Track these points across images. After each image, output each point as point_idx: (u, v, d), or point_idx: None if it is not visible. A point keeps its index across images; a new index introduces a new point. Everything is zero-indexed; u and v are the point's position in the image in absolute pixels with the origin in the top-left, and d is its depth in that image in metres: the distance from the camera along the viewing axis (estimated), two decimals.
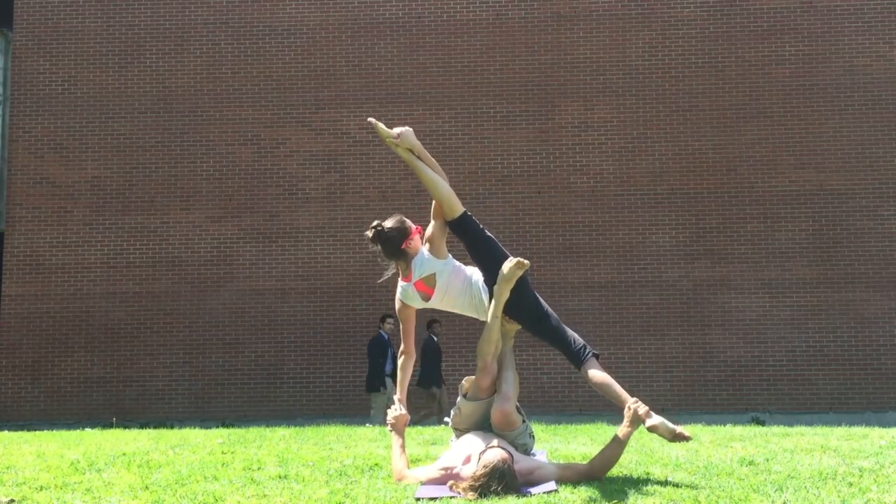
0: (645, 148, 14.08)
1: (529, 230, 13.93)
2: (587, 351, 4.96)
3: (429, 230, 5.04)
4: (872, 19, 14.20)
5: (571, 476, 4.63)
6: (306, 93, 14.39)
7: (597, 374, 4.90)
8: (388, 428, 5.00)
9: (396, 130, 5.06)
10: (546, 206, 14.01)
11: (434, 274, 4.96)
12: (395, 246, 4.91)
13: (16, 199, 14.34)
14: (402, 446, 4.91)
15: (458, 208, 4.98)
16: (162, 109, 14.45)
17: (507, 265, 4.78)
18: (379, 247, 4.96)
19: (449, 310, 5.20)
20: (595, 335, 12.93)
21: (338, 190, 14.16)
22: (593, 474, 4.66)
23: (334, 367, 13.84)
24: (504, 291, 4.82)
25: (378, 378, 12.33)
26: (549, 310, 5.10)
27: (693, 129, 14.09)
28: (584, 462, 4.87)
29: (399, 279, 5.07)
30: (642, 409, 4.65)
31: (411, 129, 5.10)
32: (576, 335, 5.06)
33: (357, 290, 13.91)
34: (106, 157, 14.38)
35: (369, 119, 5.24)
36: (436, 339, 12.81)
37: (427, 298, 5.01)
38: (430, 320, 12.78)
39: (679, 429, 4.69)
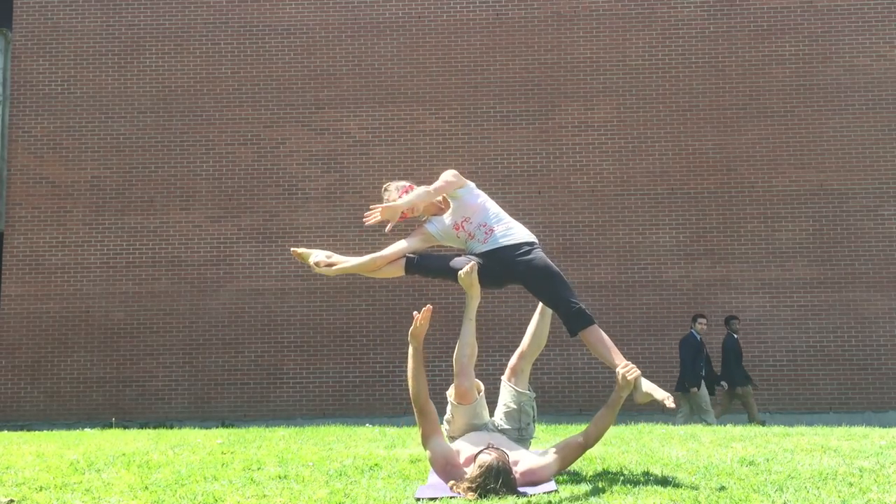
0: (645, 148, 14.08)
1: (529, 230, 13.90)
2: (587, 317, 4.88)
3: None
4: (872, 19, 14.19)
5: (570, 454, 4.68)
6: (306, 93, 14.39)
7: (593, 336, 4.88)
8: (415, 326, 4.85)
9: (313, 259, 5.35)
10: (546, 206, 14.00)
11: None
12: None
13: (16, 199, 14.33)
14: (422, 361, 4.78)
15: (400, 271, 5.19)
16: (161, 109, 14.44)
17: (461, 275, 4.96)
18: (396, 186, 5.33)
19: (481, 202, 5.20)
20: None
21: (338, 190, 14.16)
22: (589, 443, 4.73)
23: (334, 367, 13.83)
24: (472, 295, 4.99)
25: (693, 378, 11.85)
26: (540, 262, 4.99)
27: (693, 129, 14.09)
28: (578, 433, 4.86)
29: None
30: (631, 374, 4.62)
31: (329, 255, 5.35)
32: (576, 300, 4.93)
33: (357, 290, 13.90)
34: (105, 157, 14.38)
35: (292, 250, 5.63)
36: (736, 336, 12.53)
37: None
38: (729, 317, 12.75)
39: (662, 396, 4.69)
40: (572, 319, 4.86)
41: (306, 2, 14.57)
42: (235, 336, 13.94)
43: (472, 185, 5.22)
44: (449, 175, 5.12)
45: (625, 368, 4.63)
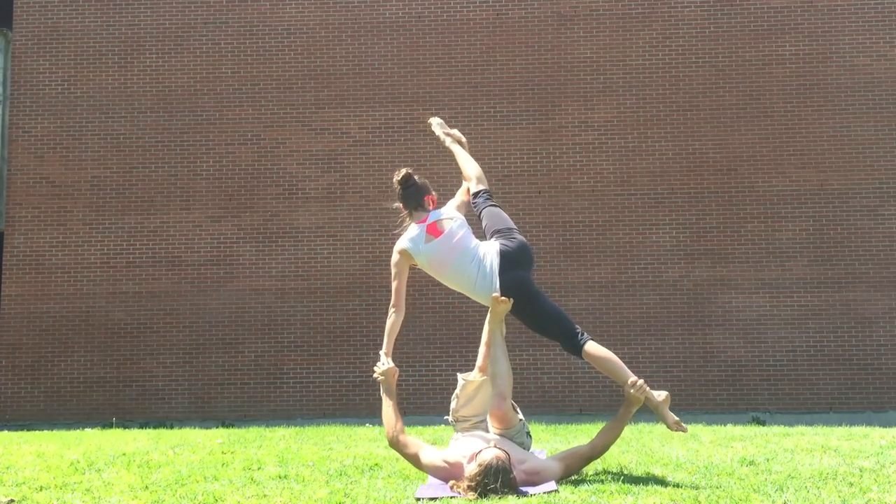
0: (645, 148, 14.08)
1: (529, 230, 13.92)
2: (583, 336, 4.98)
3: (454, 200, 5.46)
4: (872, 19, 14.19)
5: (575, 463, 4.68)
6: (306, 93, 14.39)
7: (596, 351, 5.00)
8: (377, 376, 5.01)
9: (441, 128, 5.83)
10: (546, 206, 14.00)
11: (450, 219, 5.13)
12: (419, 194, 5.12)
13: (16, 199, 14.34)
14: (396, 405, 4.94)
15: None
16: (161, 109, 14.44)
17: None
18: (401, 190, 5.15)
19: (445, 276, 5.10)
20: (595, 335, 12.86)
21: (338, 190, 14.16)
22: (595, 455, 4.76)
23: (334, 367, 13.83)
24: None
25: None
26: (538, 296, 5.06)
27: (693, 129, 14.09)
28: (585, 444, 4.88)
29: (412, 223, 5.16)
30: (641, 392, 4.78)
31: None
32: (568, 323, 5.04)
33: (357, 290, 13.91)
34: (105, 157, 14.38)
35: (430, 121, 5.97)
36: None
37: (431, 240, 5.02)
38: None
39: (674, 420, 4.78)
40: (566, 343, 5.12)
41: (306, 2, 14.57)
42: (235, 336, 13.94)
43: (421, 259, 5.03)
44: (393, 261, 5.07)
45: (634, 386, 4.76)
